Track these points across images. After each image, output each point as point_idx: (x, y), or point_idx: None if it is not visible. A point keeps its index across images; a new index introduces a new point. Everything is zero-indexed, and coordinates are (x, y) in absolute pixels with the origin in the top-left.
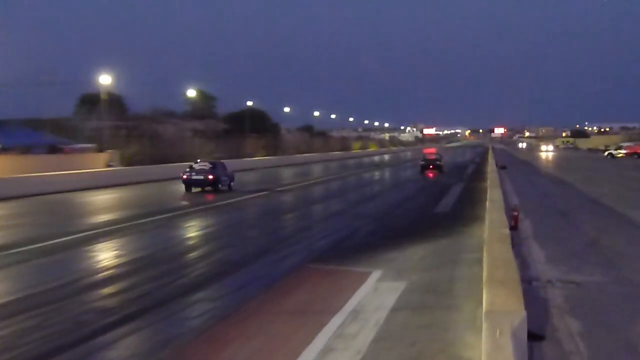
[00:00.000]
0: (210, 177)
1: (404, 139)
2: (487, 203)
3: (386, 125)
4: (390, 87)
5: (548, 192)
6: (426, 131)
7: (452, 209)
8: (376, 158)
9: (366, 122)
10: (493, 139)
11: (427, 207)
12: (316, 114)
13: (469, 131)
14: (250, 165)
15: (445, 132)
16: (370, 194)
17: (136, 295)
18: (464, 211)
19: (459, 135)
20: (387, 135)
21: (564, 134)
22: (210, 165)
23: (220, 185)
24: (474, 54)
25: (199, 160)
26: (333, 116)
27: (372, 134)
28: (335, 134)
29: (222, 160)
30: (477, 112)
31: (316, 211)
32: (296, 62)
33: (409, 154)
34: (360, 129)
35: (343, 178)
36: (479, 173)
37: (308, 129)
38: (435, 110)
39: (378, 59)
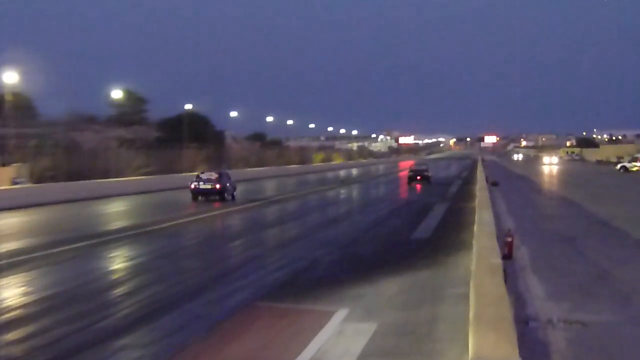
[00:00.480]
0: (218, 186)
1: (375, 149)
2: (476, 227)
3: (354, 132)
4: (359, 89)
5: (549, 213)
6: (402, 140)
7: (434, 234)
8: (342, 172)
9: (330, 129)
10: (483, 149)
11: (403, 232)
12: (269, 119)
13: (453, 140)
14: (187, 182)
15: (426, 141)
16: (335, 216)
17: (47, 342)
18: (448, 237)
19: (442, 144)
20: (355, 145)
21: (568, 143)
22: (217, 175)
23: (226, 195)
24: (460, 52)
25: (203, 171)
26: (290, 122)
27: (338, 144)
28: (292, 143)
29: (226, 171)
30: (463, 118)
31: (269, 237)
32: (246, 59)
33: (381, 167)
34: (322, 138)
35: (302, 197)
36: (465, 191)
37: (259, 138)
38: (414, 116)
39: (344, 57)
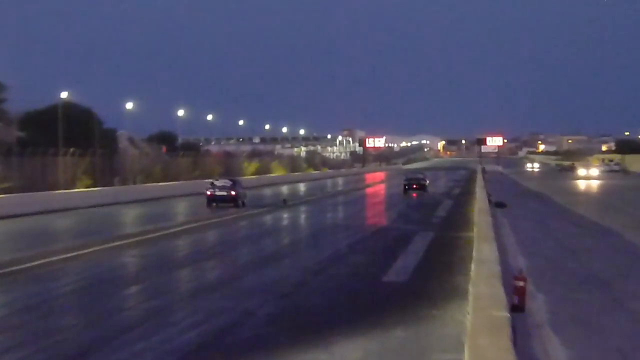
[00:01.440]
0: (233, 193)
1: (332, 155)
2: (473, 266)
3: (302, 132)
4: (309, 75)
5: (577, 246)
6: (370, 143)
7: (413, 277)
8: (285, 189)
9: (267, 127)
10: (484, 156)
11: (370, 274)
12: (180, 113)
13: (442, 143)
14: (63, 203)
15: (404, 144)
16: (275, 251)
17: None
18: (433, 280)
19: (426, 149)
20: (302, 150)
21: (604, 147)
22: (231, 182)
23: (239, 201)
24: (451, 31)
25: (218, 178)
26: (210, 118)
27: (279, 148)
28: (214, 147)
29: (237, 178)
30: (456, 116)
31: (179, 281)
32: (150, 35)
33: (340, 181)
34: (257, 140)
35: (227, 224)
36: (459, 215)
37: (166, 139)
38: (389, 113)
39: (287, 34)
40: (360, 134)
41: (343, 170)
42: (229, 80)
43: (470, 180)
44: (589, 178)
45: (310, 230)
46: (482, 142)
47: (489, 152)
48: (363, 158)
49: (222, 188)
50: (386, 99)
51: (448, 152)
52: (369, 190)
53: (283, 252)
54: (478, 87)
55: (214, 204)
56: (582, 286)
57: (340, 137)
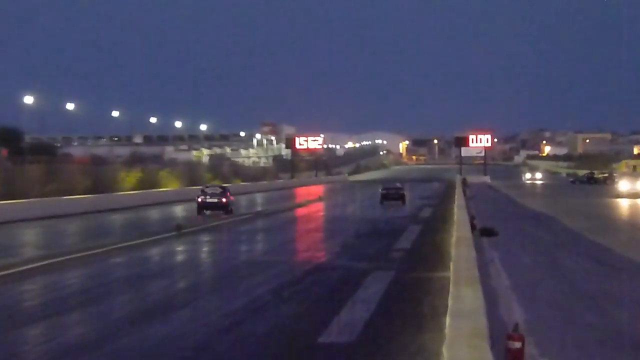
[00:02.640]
0: (224, 200)
1: (248, 159)
2: (448, 320)
3: (203, 128)
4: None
5: (597, 291)
6: (303, 143)
7: (363, 336)
8: (179, 210)
9: (153, 120)
10: (467, 162)
11: (301, 331)
12: (28, 101)
13: (405, 144)
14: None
15: (350, 144)
16: (165, 299)
17: None
18: (391, 341)
19: (383, 152)
20: (204, 154)
21: (636, 150)
22: (221, 189)
23: (230, 208)
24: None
25: (208, 185)
26: (71, 108)
27: (171, 151)
28: (77, 149)
29: (225, 185)
30: (427, 109)
31: (26, 343)
32: None
33: (259, 198)
34: (138, 139)
35: (98, 260)
36: (428, 246)
37: (7, 139)
38: (330, 105)
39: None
40: (287, 130)
41: (264, 183)
42: (98, 59)
43: (445, 197)
44: (636, 195)
45: (217, 270)
46: (463, 142)
47: (473, 157)
48: (292, 165)
49: (213, 195)
50: (327, 87)
51: (414, 157)
52: (300, 211)
53: (178, 300)
54: (457, 70)
55: (206, 211)
56: (604, 349)
57: (259, 135)
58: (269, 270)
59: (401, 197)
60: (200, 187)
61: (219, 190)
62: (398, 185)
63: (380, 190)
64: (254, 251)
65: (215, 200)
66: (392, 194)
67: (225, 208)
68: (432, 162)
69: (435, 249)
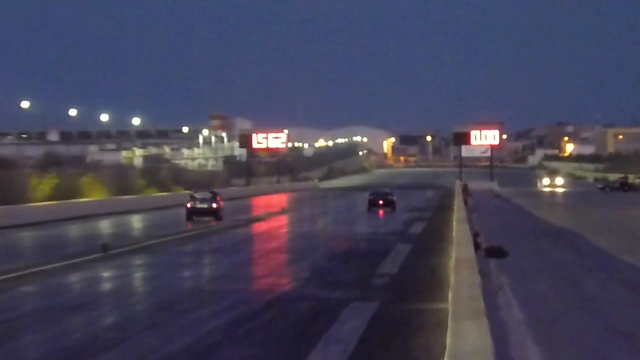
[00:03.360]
0: (214, 206)
1: (191, 162)
2: None
3: (135, 123)
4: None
5: (635, 327)
6: (261, 141)
7: None
8: (106, 225)
9: (72, 112)
10: (468, 164)
11: None
12: None
13: (391, 141)
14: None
15: (321, 142)
16: (87, 338)
17: None
18: None
19: (363, 151)
20: (137, 155)
21: None
22: (211, 194)
23: (220, 215)
24: None
25: (197, 191)
26: None
27: (95, 151)
28: None
29: (215, 190)
30: (418, 101)
31: None
32: None
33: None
34: (53, 136)
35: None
36: (420, 271)
37: None
38: (291, 97)
39: None
40: (242, 125)
41: (204, 188)
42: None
43: (441, 208)
44: None
45: (153, 300)
46: (464, 139)
47: (477, 159)
48: (248, 169)
49: (203, 200)
50: (292, 73)
51: (402, 158)
52: (259, 226)
53: (103, 341)
54: (455, 53)
55: (194, 217)
56: None
57: (206, 132)
58: (219, 301)
59: (391, 204)
60: (190, 193)
61: (209, 196)
62: (387, 190)
63: (367, 195)
64: (201, 277)
65: (205, 205)
66: (380, 199)
67: (216, 214)
68: (425, 164)
69: (430, 274)
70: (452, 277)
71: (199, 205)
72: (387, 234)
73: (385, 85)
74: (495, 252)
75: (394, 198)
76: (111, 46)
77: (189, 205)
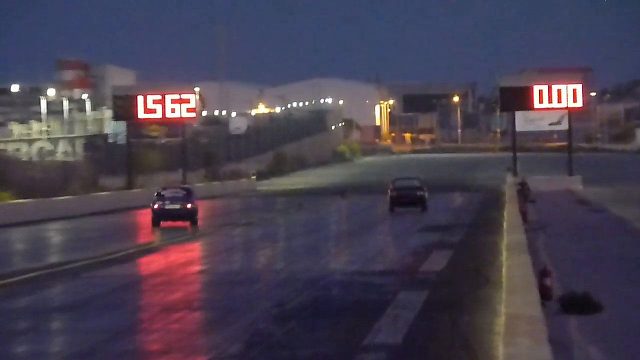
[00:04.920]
0: (189, 206)
1: (31, 144)
2: None
3: None
4: None
5: None
6: (152, 106)
7: None
8: None
9: None
10: (524, 147)
11: None
12: None
13: (389, 104)
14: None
15: (261, 109)
16: None
17: None
18: None
19: (338, 124)
20: None
21: None
22: (184, 192)
23: (196, 218)
24: None
25: (165, 187)
26: None
27: None
28: None
29: (189, 186)
30: (436, 38)
31: None
32: None
33: (53, 233)
34: None
35: None
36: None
37: None
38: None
39: None
40: (118, 79)
41: (64, 200)
42: None
43: (479, 225)
44: None
45: None
46: (520, 99)
47: (542, 135)
48: (130, 158)
49: (174, 199)
50: None
51: (408, 135)
52: (151, 262)
53: None
54: None
55: (162, 222)
56: None
57: (52, 92)
58: None
59: (420, 202)
60: (156, 189)
61: (181, 193)
62: (415, 183)
63: (389, 191)
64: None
65: (177, 206)
66: (405, 196)
67: (192, 217)
68: (450, 146)
69: (460, 346)
70: (500, 352)
71: (168, 206)
72: (382, 274)
73: (376, 8)
74: (579, 304)
75: (425, 194)
76: None
77: (155, 206)
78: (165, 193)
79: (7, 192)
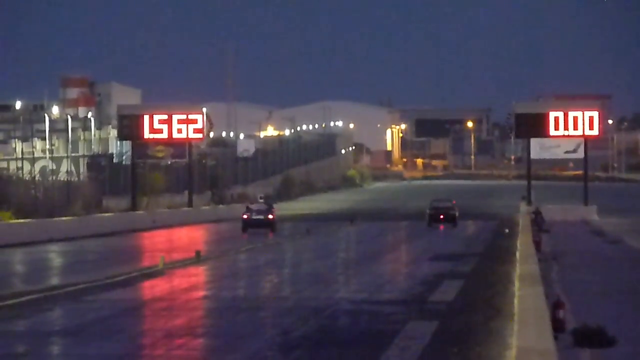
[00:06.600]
0: (270, 217)
1: (34, 162)
2: None
3: None
4: None
5: None
6: (158, 127)
7: None
8: None
9: None
10: (538, 175)
11: None
12: None
13: (400, 129)
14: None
15: (270, 132)
16: None
17: None
18: None
19: (349, 148)
20: None
21: None
22: (267, 206)
23: (276, 226)
24: None
25: (252, 202)
26: None
27: None
28: None
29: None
30: (449, 67)
31: None
32: None
33: (54, 255)
34: None
35: None
36: None
37: None
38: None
39: None
40: (123, 97)
41: (66, 221)
42: None
43: (491, 254)
44: None
45: None
46: (535, 126)
47: (557, 163)
48: (135, 179)
49: (259, 212)
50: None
51: (420, 161)
52: (154, 287)
53: None
54: None
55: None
56: None
57: (56, 110)
58: None
59: (452, 219)
60: (245, 204)
61: (264, 207)
62: (449, 203)
63: (428, 210)
64: None
65: (262, 217)
66: (441, 213)
67: (272, 225)
68: (463, 172)
69: None
70: None
71: (255, 217)
72: (391, 303)
73: (389, 31)
74: (593, 338)
75: (456, 213)
76: None
77: (245, 216)
78: (252, 207)
79: (8, 211)
